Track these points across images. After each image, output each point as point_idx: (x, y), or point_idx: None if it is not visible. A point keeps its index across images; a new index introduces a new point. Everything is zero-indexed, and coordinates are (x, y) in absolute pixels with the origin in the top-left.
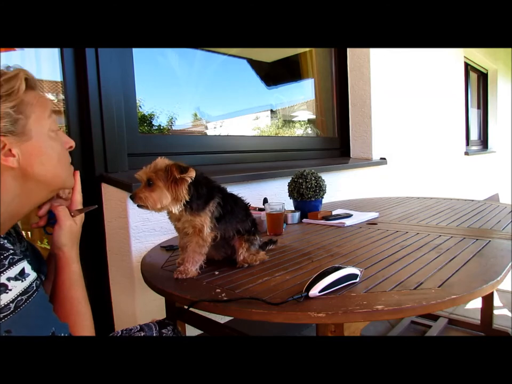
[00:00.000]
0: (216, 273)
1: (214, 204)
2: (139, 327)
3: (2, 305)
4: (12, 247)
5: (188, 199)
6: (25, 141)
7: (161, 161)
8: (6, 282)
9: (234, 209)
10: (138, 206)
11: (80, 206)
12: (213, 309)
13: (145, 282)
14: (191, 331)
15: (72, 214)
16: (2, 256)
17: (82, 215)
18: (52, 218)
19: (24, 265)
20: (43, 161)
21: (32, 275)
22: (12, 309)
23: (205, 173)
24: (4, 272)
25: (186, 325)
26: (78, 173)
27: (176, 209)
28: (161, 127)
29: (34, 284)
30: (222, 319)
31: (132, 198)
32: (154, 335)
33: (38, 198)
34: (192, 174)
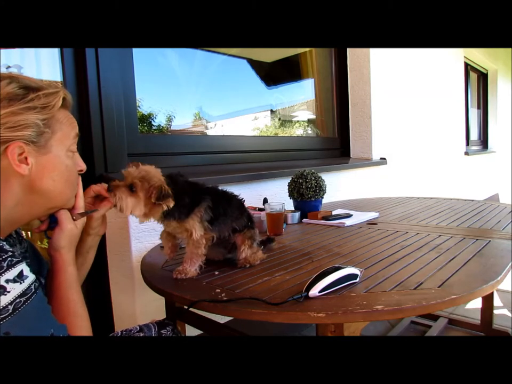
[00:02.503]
0: (216, 273)
1: (201, 209)
2: (138, 327)
3: (1, 307)
4: (11, 249)
5: (167, 213)
6: (43, 153)
7: (154, 173)
8: (5, 284)
9: (228, 209)
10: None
11: (82, 210)
12: (213, 309)
13: (145, 282)
14: (191, 331)
15: (74, 217)
16: (1, 258)
17: (84, 219)
18: (53, 223)
19: (23, 267)
20: (54, 177)
21: (30, 277)
22: (10, 311)
23: (187, 177)
24: (3, 274)
25: (186, 325)
26: (79, 179)
27: (143, 221)
28: (161, 127)
29: (32, 286)
30: (222, 319)
31: (109, 189)
32: (153, 335)
33: (38, 211)
34: (170, 204)
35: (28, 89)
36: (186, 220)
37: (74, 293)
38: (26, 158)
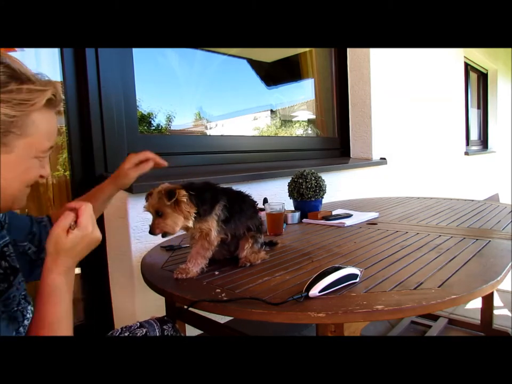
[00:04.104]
0: (216, 273)
1: (220, 207)
2: (139, 324)
3: None
4: None
5: (195, 211)
6: (3, 152)
7: (161, 189)
8: None
9: (243, 207)
10: (162, 236)
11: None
12: (213, 309)
13: (145, 282)
14: (191, 331)
15: (71, 227)
16: None
17: (86, 234)
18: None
19: None
20: (6, 178)
21: None
22: None
23: (207, 179)
24: None
25: (186, 325)
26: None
27: (191, 223)
28: (160, 127)
29: None
30: (222, 319)
31: (152, 232)
32: (156, 331)
33: None
34: (182, 194)
35: (12, 78)
36: (206, 219)
37: (55, 308)
38: None
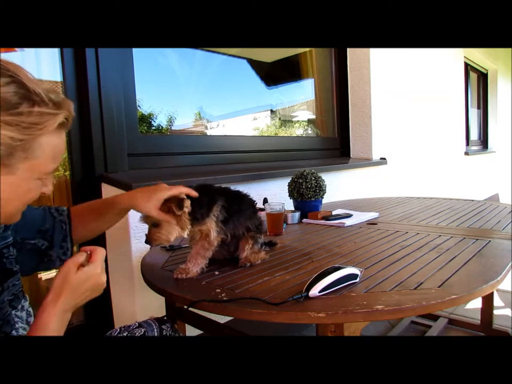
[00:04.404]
0: (216, 273)
1: (218, 208)
2: (137, 323)
3: None
4: None
5: (190, 217)
6: (5, 173)
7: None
8: None
9: (242, 207)
10: (160, 246)
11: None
12: (213, 309)
13: (145, 282)
14: (191, 331)
15: (82, 263)
16: None
17: (94, 274)
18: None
19: None
20: (6, 196)
21: None
22: None
23: (207, 179)
24: None
25: (186, 325)
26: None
27: (185, 233)
28: (161, 127)
29: None
30: (222, 319)
31: (148, 242)
32: (155, 331)
33: None
34: (188, 203)
35: (24, 99)
36: (204, 221)
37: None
38: None
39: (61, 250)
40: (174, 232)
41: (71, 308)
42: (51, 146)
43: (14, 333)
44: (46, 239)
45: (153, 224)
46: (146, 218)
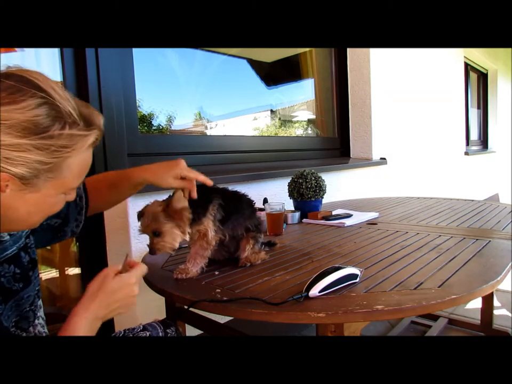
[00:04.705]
0: (216, 273)
1: (215, 207)
2: (142, 326)
3: None
4: None
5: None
6: (31, 191)
7: (154, 207)
8: None
9: (240, 207)
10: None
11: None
12: (213, 309)
13: (145, 282)
14: (191, 331)
15: (121, 269)
16: None
17: (129, 283)
18: None
19: None
20: (31, 210)
21: None
22: None
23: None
24: None
25: (186, 325)
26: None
27: (187, 237)
28: (161, 127)
29: None
30: (222, 319)
31: (152, 253)
32: (160, 334)
33: None
34: (189, 210)
35: (55, 120)
36: (201, 221)
37: None
38: (6, 186)
39: (75, 223)
40: (178, 238)
41: (102, 317)
42: (79, 165)
43: (31, 329)
44: (60, 217)
45: (155, 234)
46: (145, 228)
